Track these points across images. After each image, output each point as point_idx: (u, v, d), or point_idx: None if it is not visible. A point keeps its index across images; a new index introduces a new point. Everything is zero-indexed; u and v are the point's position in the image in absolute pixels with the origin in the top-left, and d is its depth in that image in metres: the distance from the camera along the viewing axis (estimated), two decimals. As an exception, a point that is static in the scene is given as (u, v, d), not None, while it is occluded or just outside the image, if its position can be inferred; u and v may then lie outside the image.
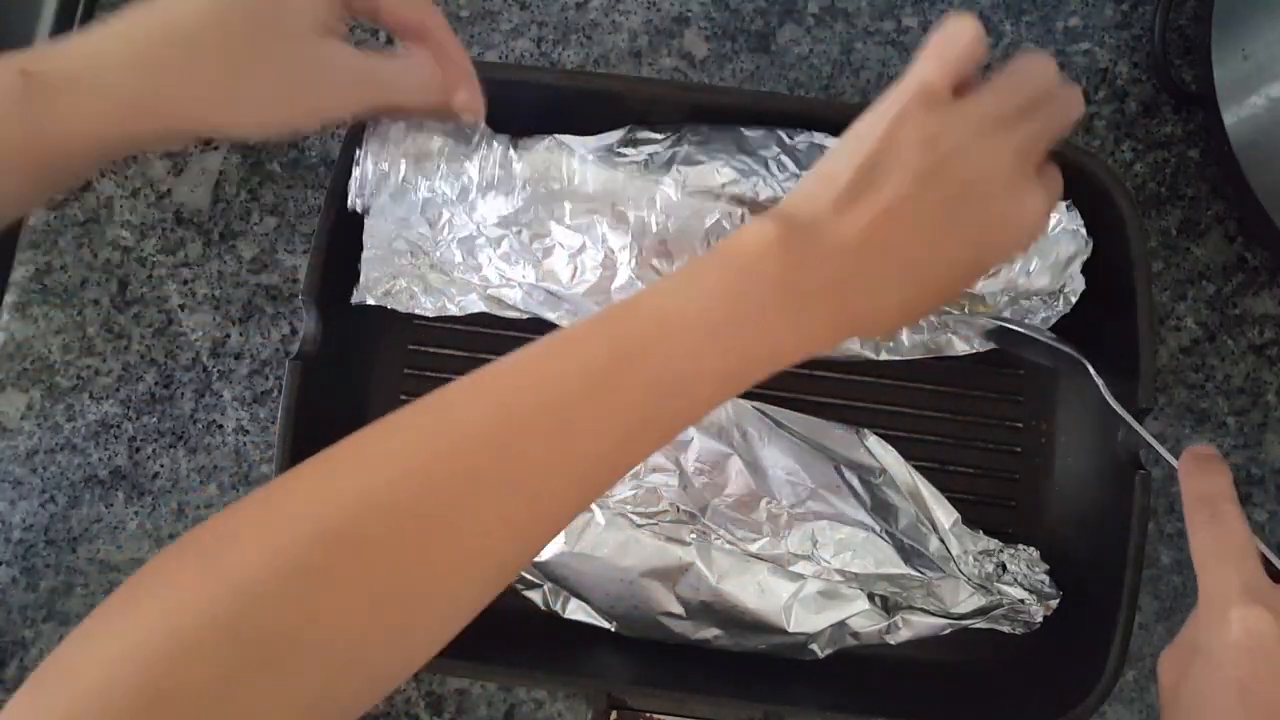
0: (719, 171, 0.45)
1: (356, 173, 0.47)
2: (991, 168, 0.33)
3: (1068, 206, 0.48)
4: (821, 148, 0.47)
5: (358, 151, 0.46)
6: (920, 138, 0.33)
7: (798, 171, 0.46)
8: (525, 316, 0.49)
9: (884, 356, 0.50)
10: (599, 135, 0.47)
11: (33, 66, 0.35)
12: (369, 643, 0.27)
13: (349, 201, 0.47)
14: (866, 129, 0.34)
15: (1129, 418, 0.44)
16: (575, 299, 0.47)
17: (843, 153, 0.34)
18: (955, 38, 0.34)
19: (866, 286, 0.33)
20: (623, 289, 0.47)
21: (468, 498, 0.29)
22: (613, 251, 0.46)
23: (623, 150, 0.47)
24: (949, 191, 0.33)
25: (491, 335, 0.52)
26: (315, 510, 0.27)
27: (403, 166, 0.46)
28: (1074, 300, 0.48)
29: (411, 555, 0.28)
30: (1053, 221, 0.48)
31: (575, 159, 0.46)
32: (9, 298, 0.54)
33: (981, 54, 0.34)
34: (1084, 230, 0.47)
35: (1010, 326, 0.47)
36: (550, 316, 0.49)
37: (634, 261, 0.46)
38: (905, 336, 0.51)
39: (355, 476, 0.28)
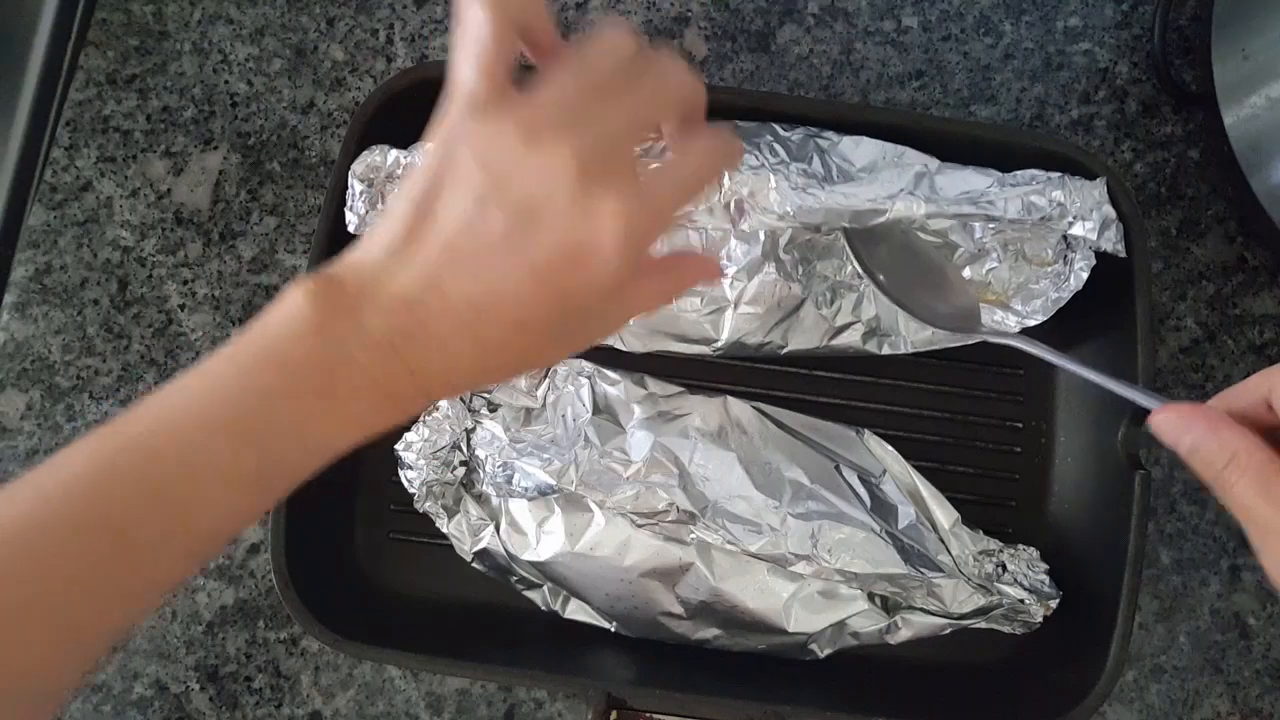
0: None
1: (349, 199, 0.47)
2: (549, 182, 0.28)
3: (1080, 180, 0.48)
4: (817, 139, 0.47)
5: (350, 180, 0.47)
6: (473, 152, 0.29)
7: (787, 159, 0.46)
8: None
9: (885, 352, 0.50)
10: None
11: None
12: None
13: (347, 225, 0.47)
14: (426, 153, 0.30)
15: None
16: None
17: (404, 185, 0.30)
18: (469, 27, 0.29)
19: (431, 340, 0.29)
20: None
21: None
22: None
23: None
24: (508, 215, 0.28)
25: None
26: None
27: (390, 189, 0.47)
28: (1084, 277, 0.48)
29: None
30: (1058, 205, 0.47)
31: None
32: (9, 298, 0.54)
33: (510, 31, 0.29)
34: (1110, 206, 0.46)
35: (1011, 344, 0.45)
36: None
37: None
38: (907, 334, 0.51)
39: None
